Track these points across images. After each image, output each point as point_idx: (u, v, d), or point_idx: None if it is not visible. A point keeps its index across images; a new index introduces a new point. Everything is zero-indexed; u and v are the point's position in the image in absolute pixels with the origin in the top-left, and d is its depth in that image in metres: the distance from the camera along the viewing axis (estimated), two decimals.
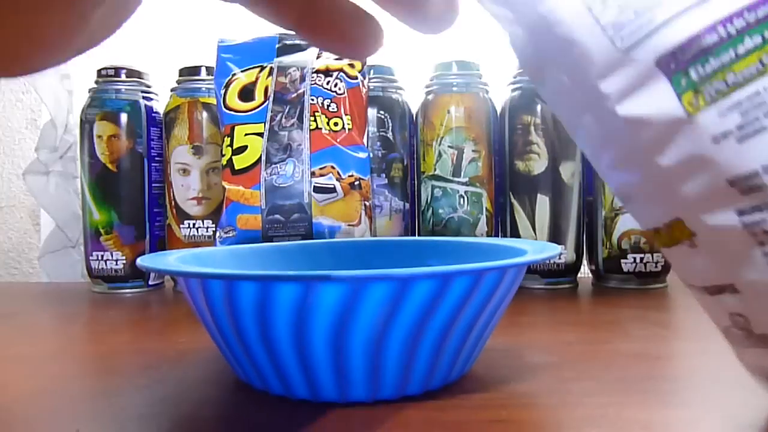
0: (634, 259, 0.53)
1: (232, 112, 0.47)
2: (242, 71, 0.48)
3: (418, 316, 0.23)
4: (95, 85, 0.58)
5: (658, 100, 0.18)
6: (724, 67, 0.17)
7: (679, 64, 0.17)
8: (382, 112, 0.55)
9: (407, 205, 0.57)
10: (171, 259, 0.29)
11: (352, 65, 0.49)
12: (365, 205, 0.47)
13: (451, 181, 0.54)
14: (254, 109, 0.47)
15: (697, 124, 0.17)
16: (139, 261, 0.27)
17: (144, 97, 0.58)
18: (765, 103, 0.17)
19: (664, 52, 0.17)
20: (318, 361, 0.23)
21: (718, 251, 0.19)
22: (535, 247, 0.30)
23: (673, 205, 0.19)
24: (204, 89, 0.57)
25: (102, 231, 0.56)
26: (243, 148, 0.46)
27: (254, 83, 0.48)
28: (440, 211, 0.54)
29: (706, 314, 0.22)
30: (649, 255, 0.53)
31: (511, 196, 0.55)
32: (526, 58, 0.21)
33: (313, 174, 0.46)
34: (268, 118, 0.47)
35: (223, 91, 0.48)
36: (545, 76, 0.21)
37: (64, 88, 0.71)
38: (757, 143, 0.17)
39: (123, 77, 0.57)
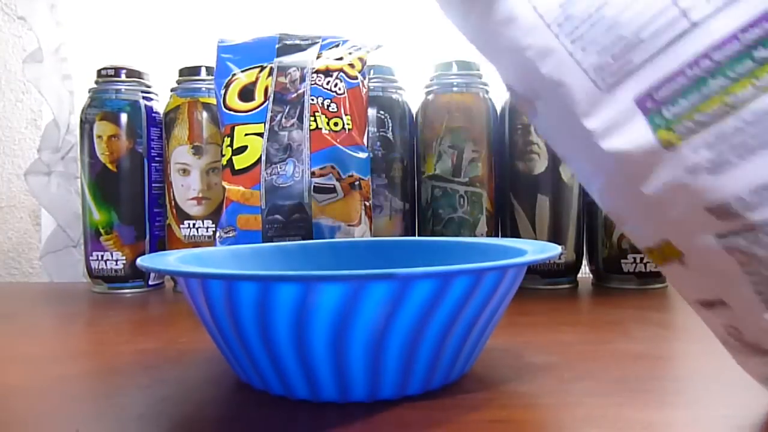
0: (634, 259, 0.53)
1: (232, 112, 0.47)
2: (242, 71, 0.48)
3: (418, 316, 0.23)
4: (95, 86, 0.58)
5: (638, 136, 0.19)
6: (693, 107, 0.18)
7: (654, 103, 0.19)
8: (382, 112, 0.55)
9: (407, 205, 0.57)
10: (171, 259, 0.29)
11: (352, 65, 0.49)
12: (365, 205, 0.47)
13: (451, 182, 0.54)
14: (254, 109, 0.47)
15: (673, 158, 0.19)
16: (139, 261, 0.27)
17: (144, 97, 0.58)
18: (731, 140, 0.18)
19: (641, 92, 0.19)
20: (318, 361, 0.23)
21: (705, 270, 0.20)
22: (535, 247, 0.30)
23: (661, 227, 0.20)
24: (204, 89, 0.57)
25: (102, 231, 0.56)
26: (243, 148, 0.46)
27: (254, 83, 0.48)
28: (440, 211, 0.54)
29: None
30: None
31: (511, 197, 0.55)
32: (517, 93, 0.23)
33: (313, 174, 0.46)
34: (268, 118, 0.47)
35: (223, 91, 0.48)
36: (536, 109, 0.22)
37: (65, 88, 0.71)
38: (727, 177, 0.18)
39: (123, 77, 0.57)
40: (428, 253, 0.36)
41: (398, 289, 0.22)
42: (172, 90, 0.58)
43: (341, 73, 0.48)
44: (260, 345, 0.24)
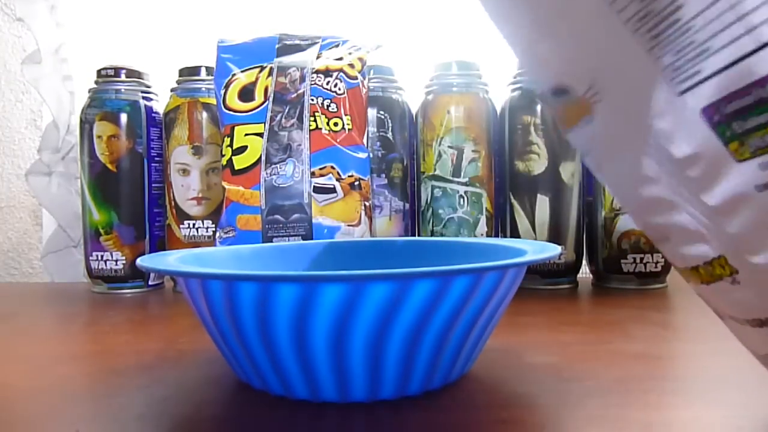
0: (634, 259, 0.53)
1: (232, 113, 0.47)
2: (242, 71, 0.48)
3: (418, 317, 0.23)
4: (95, 86, 0.58)
5: (709, 145, 0.18)
6: (761, 126, 0.18)
7: (722, 116, 0.18)
8: (382, 112, 0.55)
9: (407, 205, 0.57)
10: (171, 260, 0.29)
11: (352, 65, 0.49)
12: (365, 205, 0.47)
13: (451, 182, 0.54)
14: (254, 109, 0.47)
15: (742, 170, 0.18)
16: (139, 261, 0.27)
17: (144, 98, 0.58)
18: None
19: (708, 103, 0.18)
20: (318, 361, 0.23)
21: (761, 288, 0.19)
22: (534, 247, 0.30)
23: (718, 242, 0.20)
24: (204, 89, 0.57)
25: (102, 231, 0.56)
26: (243, 149, 0.46)
27: (254, 83, 0.48)
28: (440, 211, 0.54)
29: (740, 342, 0.22)
30: (649, 255, 0.53)
31: (511, 197, 0.55)
32: (566, 96, 0.22)
33: (313, 174, 0.46)
34: (268, 118, 0.47)
35: (223, 92, 0.48)
36: (592, 115, 0.22)
37: (65, 89, 0.71)
38: None
39: (123, 77, 0.57)
40: (428, 253, 0.36)
41: (398, 289, 0.22)
42: (172, 90, 0.58)
43: (341, 73, 0.48)
44: (260, 345, 0.24)
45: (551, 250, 0.28)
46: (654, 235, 0.22)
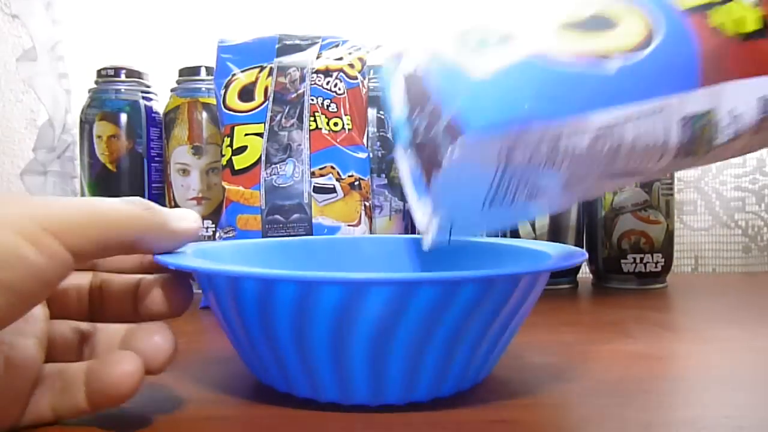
0: (634, 259, 0.53)
1: (232, 113, 0.47)
2: (242, 71, 0.48)
3: (423, 321, 0.22)
4: (95, 85, 0.58)
5: None
6: None
7: None
8: (382, 112, 0.55)
9: (407, 205, 0.57)
10: (190, 255, 0.26)
11: (352, 65, 0.49)
12: (365, 205, 0.47)
13: None
14: (254, 109, 0.47)
15: None
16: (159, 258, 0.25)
17: (144, 97, 0.58)
18: None
19: None
20: (319, 361, 0.23)
21: None
22: (557, 251, 0.28)
23: None
24: (204, 89, 0.57)
25: None
26: (243, 149, 0.46)
27: (254, 83, 0.48)
28: None
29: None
30: (649, 255, 0.53)
31: None
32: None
33: (313, 174, 0.46)
34: (268, 118, 0.47)
35: (223, 92, 0.48)
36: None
37: (61, 87, 0.70)
38: None
39: (123, 77, 0.57)
40: (431, 253, 0.35)
41: (401, 293, 0.21)
42: (172, 90, 0.58)
43: (341, 73, 0.48)
44: (264, 343, 0.24)
45: (577, 256, 0.26)
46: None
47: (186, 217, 0.25)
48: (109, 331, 0.24)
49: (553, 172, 0.24)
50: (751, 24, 0.25)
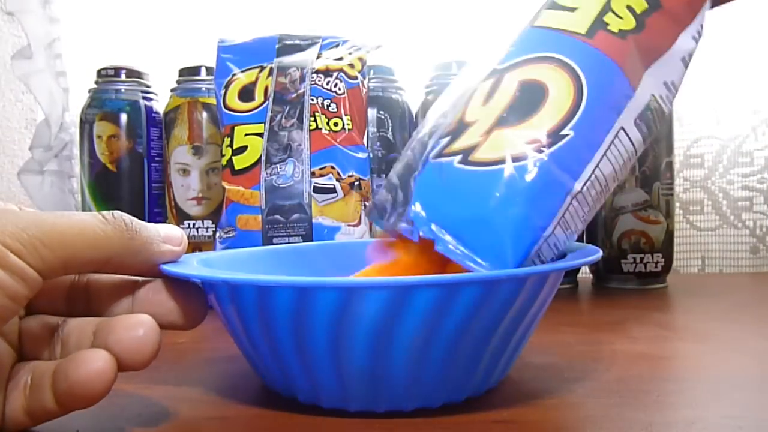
0: (634, 259, 0.53)
1: (232, 113, 0.47)
2: (242, 71, 0.48)
3: (422, 325, 0.22)
4: (95, 85, 0.58)
5: None
6: None
7: None
8: (382, 112, 0.55)
9: None
10: (195, 263, 0.27)
11: (352, 65, 0.49)
12: (365, 205, 0.47)
13: None
14: (254, 109, 0.47)
15: None
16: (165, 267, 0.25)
17: (144, 97, 0.58)
18: None
19: None
20: (320, 367, 0.23)
21: None
22: (570, 248, 0.27)
23: None
24: (204, 89, 0.57)
25: None
26: (243, 149, 0.46)
27: (254, 83, 0.48)
28: None
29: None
30: (649, 255, 0.53)
31: None
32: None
33: (313, 174, 0.46)
34: (268, 118, 0.47)
35: (223, 92, 0.48)
36: None
37: (59, 85, 0.70)
38: None
39: (123, 77, 0.57)
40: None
41: (398, 296, 0.21)
42: (172, 90, 0.58)
43: (341, 73, 0.48)
44: (265, 346, 0.24)
45: (591, 254, 0.25)
46: None
47: (171, 238, 0.24)
48: (81, 325, 0.23)
49: (570, 232, 0.26)
50: (639, 6, 0.28)
